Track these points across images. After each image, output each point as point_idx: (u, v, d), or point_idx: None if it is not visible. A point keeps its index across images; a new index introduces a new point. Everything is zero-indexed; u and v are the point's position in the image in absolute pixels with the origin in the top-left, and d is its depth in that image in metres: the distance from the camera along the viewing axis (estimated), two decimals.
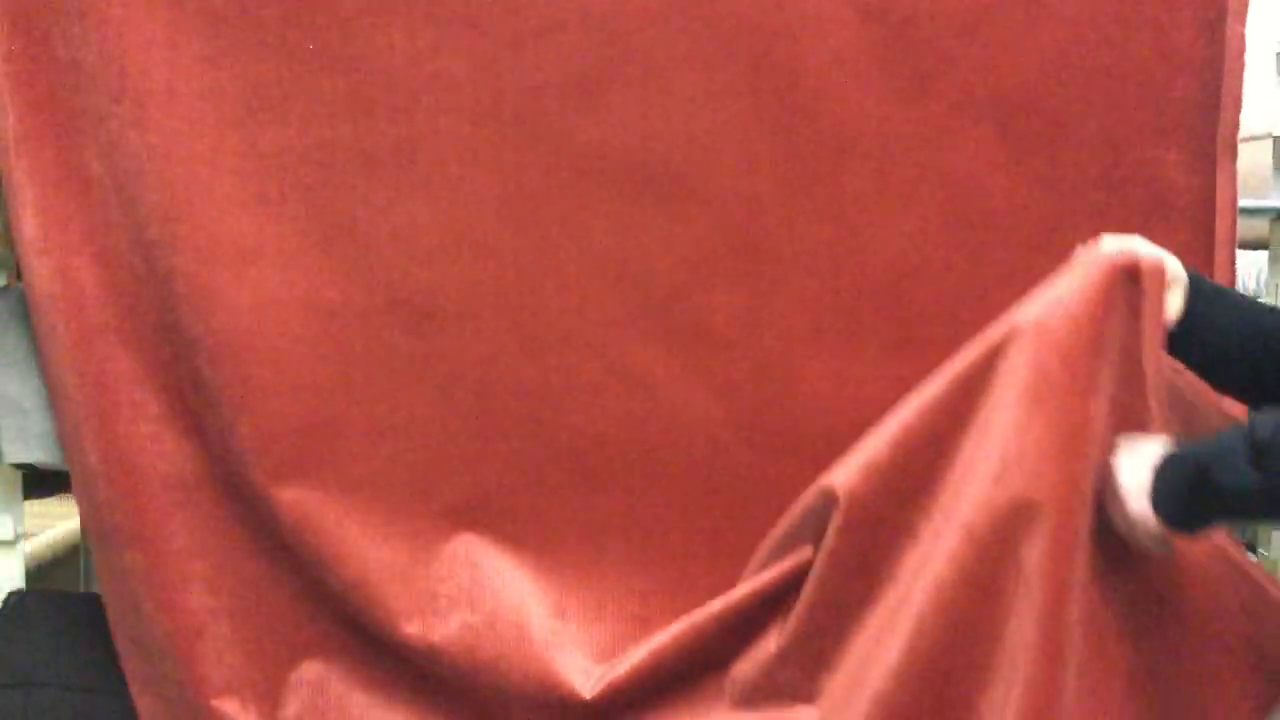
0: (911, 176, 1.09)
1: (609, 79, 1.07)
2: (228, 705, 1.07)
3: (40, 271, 1.06)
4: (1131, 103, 1.08)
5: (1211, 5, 1.07)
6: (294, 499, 1.06)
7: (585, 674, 1.04)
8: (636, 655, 1.03)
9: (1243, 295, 1.01)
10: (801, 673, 1.00)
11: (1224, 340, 0.93)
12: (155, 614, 1.06)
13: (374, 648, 1.08)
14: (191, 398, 1.07)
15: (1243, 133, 1.09)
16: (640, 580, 1.09)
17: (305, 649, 1.10)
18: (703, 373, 1.10)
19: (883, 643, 0.93)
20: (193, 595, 1.07)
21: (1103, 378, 0.91)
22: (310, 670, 1.10)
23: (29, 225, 1.05)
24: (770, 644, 1.02)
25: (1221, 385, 0.96)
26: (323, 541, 1.06)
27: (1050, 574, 0.87)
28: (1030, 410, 0.90)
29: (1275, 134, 1.16)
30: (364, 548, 1.07)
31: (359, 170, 1.07)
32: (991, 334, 0.94)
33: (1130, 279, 0.91)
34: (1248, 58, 1.08)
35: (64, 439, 1.09)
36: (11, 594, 1.18)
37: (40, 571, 1.43)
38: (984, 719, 0.90)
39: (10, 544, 1.19)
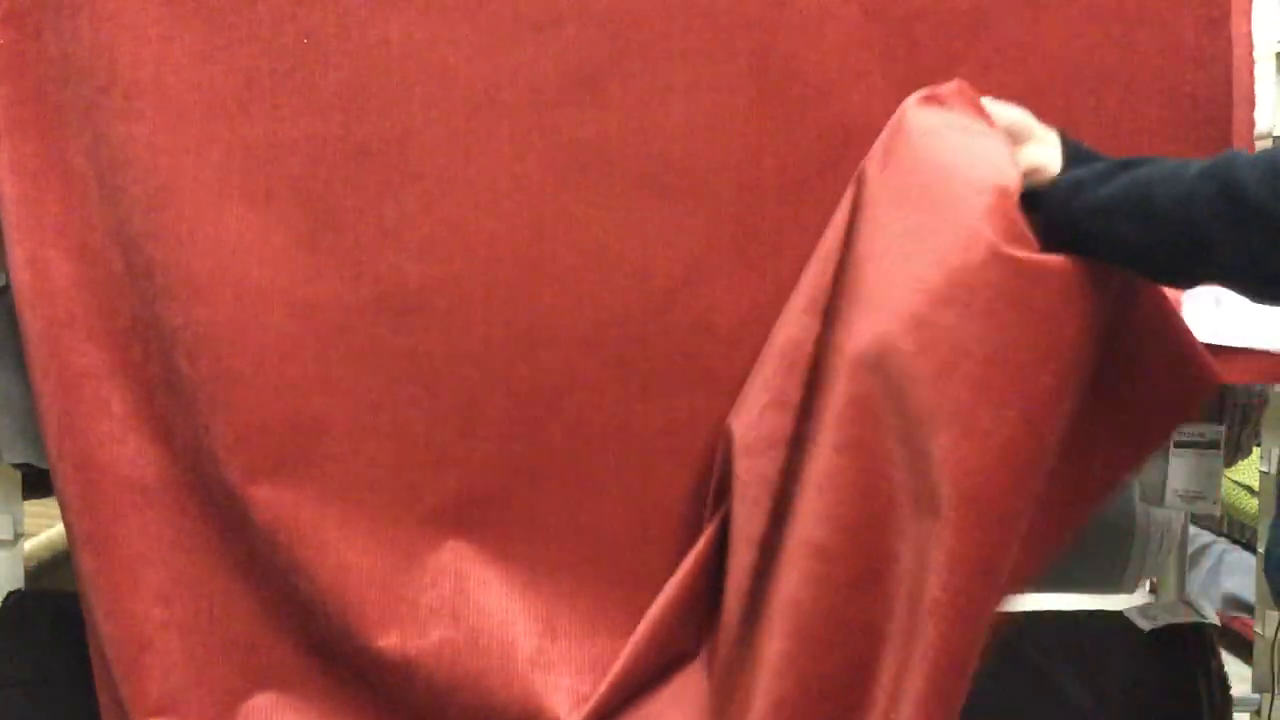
0: None
1: (608, 73, 1.06)
2: None
3: (14, 261, 1.04)
4: (1138, 99, 1.07)
5: (1215, 3, 1.07)
6: (269, 498, 1.03)
7: (571, 695, 1.02)
8: (612, 672, 1.02)
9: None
10: (752, 624, 0.97)
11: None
12: (104, 621, 1.03)
13: (340, 674, 1.05)
14: (161, 399, 1.05)
15: None
16: (635, 590, 1.07)
17: (261, 677, 1.06)
18: (703, 370, 1.09)
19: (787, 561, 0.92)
20: (142, 604, 1.03)
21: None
22: (263, 701, 1.06)
23: (8, 216, 1.04)
24: (732, 606, 0.99)
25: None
26: (296, 543, 1.03)
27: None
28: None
29: (1275, 134, 1.16)
30: (343, 552, 1.04)
31: (350, 163, 1.06)
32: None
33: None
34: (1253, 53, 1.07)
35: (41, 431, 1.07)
36: (11, 594, 1.17)
37: (40, 571, 1.43)
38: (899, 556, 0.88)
39: (10, 544, 1.18)
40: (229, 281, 1.04)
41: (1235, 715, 1.16)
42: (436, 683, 1.02)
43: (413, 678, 1.02)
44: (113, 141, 1.03)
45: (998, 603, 0.86)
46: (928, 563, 0.84)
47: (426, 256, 1.07)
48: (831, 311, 0.94)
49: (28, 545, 1.29)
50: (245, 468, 1.03)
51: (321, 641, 1.05)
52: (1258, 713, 1.22)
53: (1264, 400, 1.19)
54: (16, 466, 1.17)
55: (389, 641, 1.02)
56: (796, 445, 0.95)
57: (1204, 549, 2.22)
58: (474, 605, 1.05)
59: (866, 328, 0.88)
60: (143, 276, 1.04)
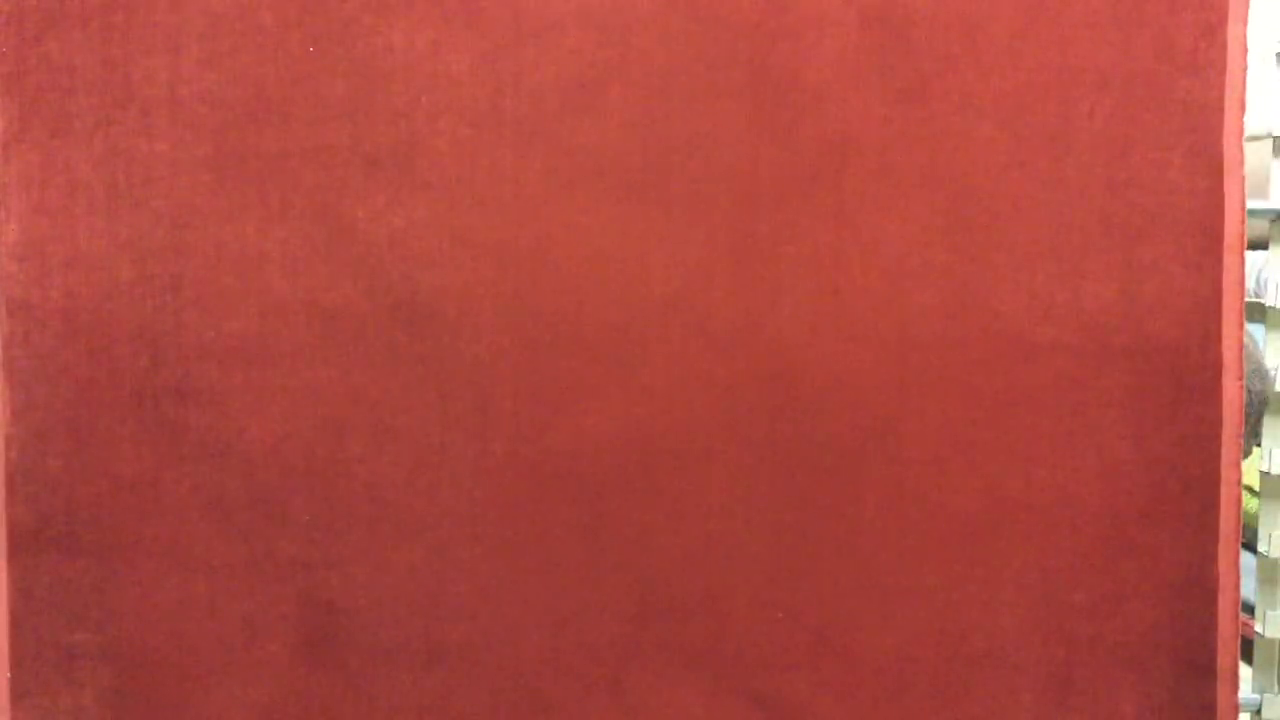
0: (913, 179, 1.09)
1: (608, 80, 1.07)
2: None
3: (16, 276, 1.06)
4: (1134, 104, 1.08)
5: (1212, 7, 1.07)
6: (306, 498, 1.06)
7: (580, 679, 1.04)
8: None
9: None
10: None
11: None
12: (106, 620, 1.06)
13: (349, 671, 1.08)
14: (170, 406, 1.07)
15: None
16: (638, 584, 1.09)
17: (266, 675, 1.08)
18: (702, 375, 1.10)
19: None
20: (164, 593, 1.06)
21: None
22: (261, 695, 1.08)
23: (12, 230, 1.05)
24: None
25: None
26: (333, 541, 1.06)
27: None
28: None
29: (1275, 134, 1.16)
30: (366, 552, 1.07)
31: (359, 172, 1.07)
32: None
33: None
34: (1248, 58, 1.08)
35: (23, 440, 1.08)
36: None
37: None
38: None
39: None
40: (254, 293, 1.06)
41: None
42: (452, 679, 1.05)
43: (433, 668, 1.05)
44: (132, 158, 1.05)
45: None
46: None
47: (434, 264, 1.08)
48: None
49: None
50: (281, 471, 1.06)
51: (344, 636, 1.07)
52: (1258, 712, 1.22)
53: (1265, 399, 1.20)
54: None
55: (413, 633, 1.06)
56: None
57: None
58: (491, 601, 1.07)
59: None
60: (168, 289, 1.06)
